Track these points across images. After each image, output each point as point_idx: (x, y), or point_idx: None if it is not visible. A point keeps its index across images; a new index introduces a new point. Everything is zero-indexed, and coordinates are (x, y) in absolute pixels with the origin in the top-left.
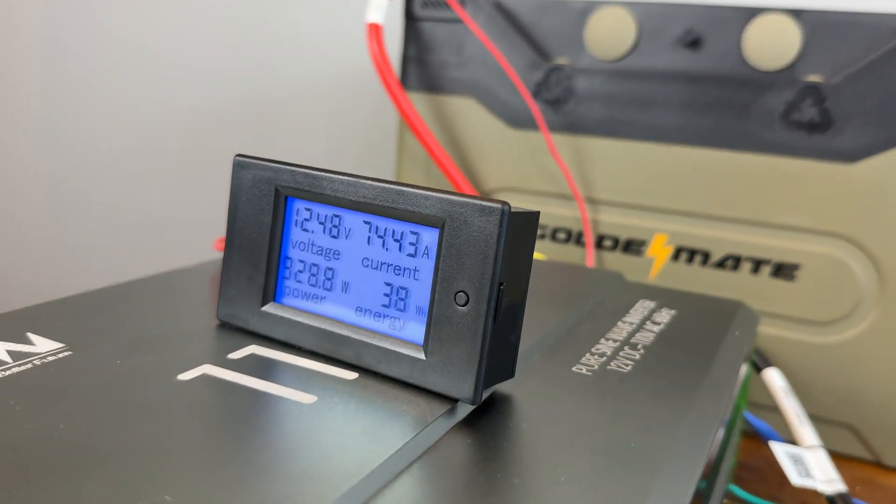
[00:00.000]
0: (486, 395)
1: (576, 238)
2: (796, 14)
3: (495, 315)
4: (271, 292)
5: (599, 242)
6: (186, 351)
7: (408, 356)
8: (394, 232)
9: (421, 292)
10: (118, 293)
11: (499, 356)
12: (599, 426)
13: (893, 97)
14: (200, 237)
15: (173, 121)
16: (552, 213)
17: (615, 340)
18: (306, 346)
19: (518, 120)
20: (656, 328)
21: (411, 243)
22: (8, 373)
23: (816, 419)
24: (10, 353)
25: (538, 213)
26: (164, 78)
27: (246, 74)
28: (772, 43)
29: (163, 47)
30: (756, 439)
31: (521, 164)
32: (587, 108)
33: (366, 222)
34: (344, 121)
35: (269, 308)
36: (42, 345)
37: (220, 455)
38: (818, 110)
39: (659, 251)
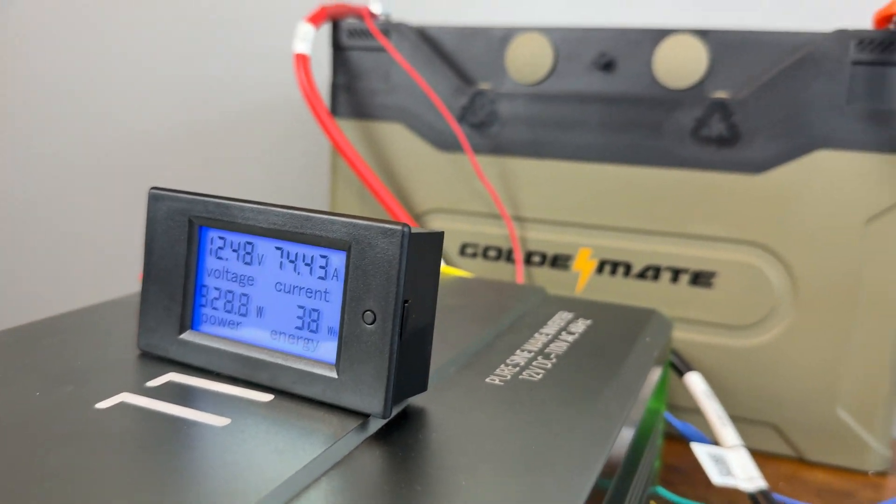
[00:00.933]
0: (398, 409)
1: (506, 255)
2: (702, 34)
3: (401, 332)
4: (188, 320)
5: (528, 259)
6: (106, 381)
7: (321, 375)
8: (304, 256)
9: (332, 313)
10: (40, 328)
11: (409, 371)
12: (506, 433)
13: (796, 110)
14: (135, 267)
15: (105, 153)
16: (483, 232)
17: (530, 351)
18: (224, 372)
19: (446, 143)
20: (570, 338)
21: (321, 266)
22: None
23: (740, 420)
24: None
25: (442, 233)
26: (96, 110)
27: (183, 106)
28: (680, 62)
29: (100, 79)
30: (684, 442)
31: (451, 186)
32: (511, 131)
33: (277, 248)
34: (280, 149)
35: (186, 336)
36: None
37: (131, 479)
38: (726, 125)
39: (584, 265)
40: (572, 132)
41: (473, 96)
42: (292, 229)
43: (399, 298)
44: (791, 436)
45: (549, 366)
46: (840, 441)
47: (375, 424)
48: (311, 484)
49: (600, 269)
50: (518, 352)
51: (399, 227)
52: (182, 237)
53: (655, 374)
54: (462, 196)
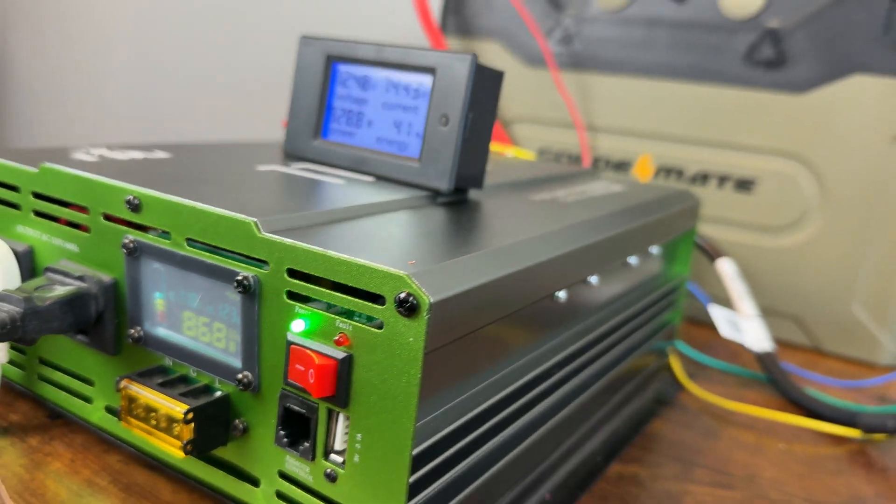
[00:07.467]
0: (461, 196)
1: (576, 160)
2: None
3: (465, 131)
4: (320, 131)
5: (594, 163)
6: (264, 162)
7: (409, 165)
8: (403, 81)
9: (419, 122)
10: (232, 144)
11: (469, 166)
12: (526, 216)
13: (837, 38)
14: None
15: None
16: (558, 140)
17: (572, 192)
18: (342, 165)
19: (534, 60)
20: (606, 191)
21: (415, 88)
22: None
23: (767, 311)
24: None
25: (502, 72)
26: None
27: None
28: None
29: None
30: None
31: (536, 98)
32: (591, 50)
33: (386, 77)
34: None
35: (318, 142)
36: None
37: (275, 192)
38: (775, 50)
39: (643, 169)
40: (643, 52)
41: (561, 19)
42: (397, 60)
43: (465, 105)
44: (812, 328)
45: (583, 198)
46: (853, 335)
47: (443, 199)
48: (393, 210)
49: (657, 173)
50: (561, 190)
51: (469, 55)
52: (320, 70)
53: (668, 228)
54: (544, 107)
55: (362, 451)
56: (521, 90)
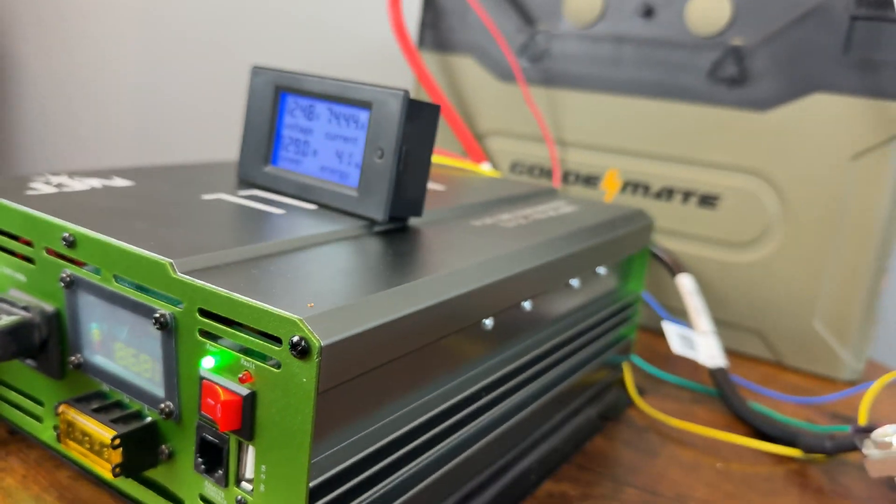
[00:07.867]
0: (399, 224)
1: (547, 174)
2: None
3: (399, 165)
4: (270, 158)
5: (565, 178)
6: (213, 189)
7: (347, 195)
8: (344, 113)
9: (358, 153)
10: (180, 167)
11: (405, 196)
12: (463, 245)
13: (799, 57)
14: None
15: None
16: (531, 153)
17: (517, 215)
18: (289, 192)
19: (506, 75)
20: (554, 213)
21: (354, 121)
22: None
23: (730, 325)
24: None
25: (438, 106)
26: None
27: (299, 45)
28: (709, 13)
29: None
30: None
31: (508, 112)
32: (560, 66)
33: (329, 108)
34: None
35: (268, 168)
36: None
37: (214, 224)
38: (738, 68)
39: (610, 184)
40: (611, 69)
41: (532, 35)
42: (337, 94)
43: (399, 140)
44: (773, 342)
45: (525, 223)
46: (814, 350)
47: (379, 227)
48: (325, 242)
49: (623, 188)
50: (507, 214)
51: (402, 92)
52: (270, 100)
53: (613, 249)
54: (516, 121)
55: (267, 482)
56: (494, 104)
